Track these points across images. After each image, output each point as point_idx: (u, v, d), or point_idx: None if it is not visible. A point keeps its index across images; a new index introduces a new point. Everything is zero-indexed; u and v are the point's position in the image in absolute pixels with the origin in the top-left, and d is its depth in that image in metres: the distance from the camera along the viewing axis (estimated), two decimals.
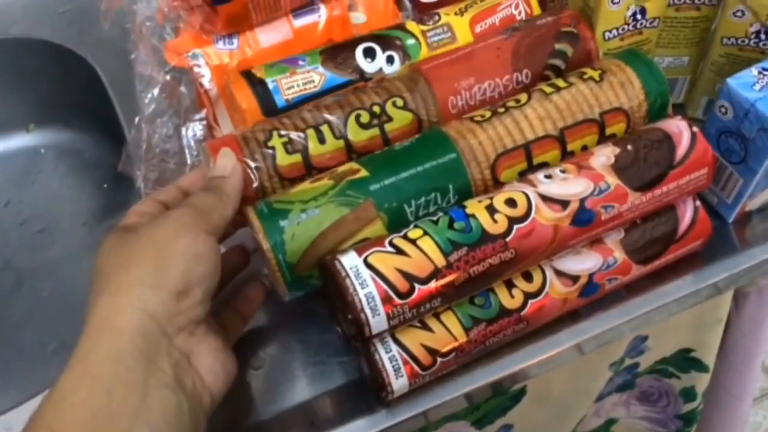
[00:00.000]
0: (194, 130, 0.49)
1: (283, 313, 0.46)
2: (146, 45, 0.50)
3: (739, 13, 0.45)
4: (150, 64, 0.49)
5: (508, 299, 0.41)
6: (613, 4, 0.45)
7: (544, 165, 0.42)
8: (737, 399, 0.73)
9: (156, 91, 0.48)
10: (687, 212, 0.44)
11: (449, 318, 0.40)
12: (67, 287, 0.63)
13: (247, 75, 0.45)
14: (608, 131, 0.43)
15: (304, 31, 0.50)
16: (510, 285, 0.41)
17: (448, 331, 0.39)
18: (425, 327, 0.39)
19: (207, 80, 0.48)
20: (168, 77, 0.48)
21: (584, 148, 0.43)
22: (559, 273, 0.42)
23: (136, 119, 0.49)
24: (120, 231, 0.36)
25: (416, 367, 0.39)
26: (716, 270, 0.46)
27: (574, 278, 0.42)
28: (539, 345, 0.44)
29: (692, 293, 0.46)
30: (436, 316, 0.40)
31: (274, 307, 0.46)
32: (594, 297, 0.43)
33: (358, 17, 0.51)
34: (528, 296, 0.41)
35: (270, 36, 0.49)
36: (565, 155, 0.42)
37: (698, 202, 0.44)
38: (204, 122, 0.50)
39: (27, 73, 0.68)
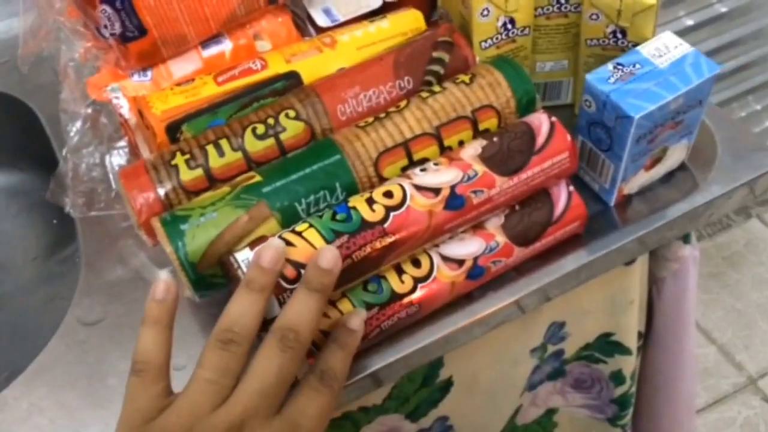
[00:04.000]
0: (118, 157, 0.54)
1: (200, 316, 0.50)
2: (71, 84, 0.54)
3: (594, 16, 0.50)
4: (74, 100, 0.53)
5: (399, 284, 0.45)
6: (483, 16, 0.50)
7: (424, 160, 0.47)
8: (673, 380, 0.77)
9: (78, 124, 0.53)
10: (561, 196, 0.48)
11: (345, 305, 0.44)
12: (19, 319, 0.66)
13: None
14: (481, 126, 0.48)
15: (213, 60, 0.54)
16: (400, 271, 0.45)
17: None
18: (323, 314, 0.43)
19: (126, 110, 0.53)
20: (89, 110, 0.53)
21: (461, 143, 0.47)
22: (445, 258, 0.46)
23: (63, 151, 0.54)
24: None
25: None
26: (597, 246, 0.50)
27: (460, 262, 0.46)
28: (435, 327, 0.47)
29: (577, 269, 0.50)
30: (333, 303, 0.44)
31: (192, 311, 0.50)
32: (482, 280, 0.47)
33: (264, 45, 0.56)
34: (417, 281, 0.45)
35: (181, 67, 0.54)
36: (444, 150, 0.47)
37: (572, 187, 0.49)
38: (126, 149, 0.54)
39: None
